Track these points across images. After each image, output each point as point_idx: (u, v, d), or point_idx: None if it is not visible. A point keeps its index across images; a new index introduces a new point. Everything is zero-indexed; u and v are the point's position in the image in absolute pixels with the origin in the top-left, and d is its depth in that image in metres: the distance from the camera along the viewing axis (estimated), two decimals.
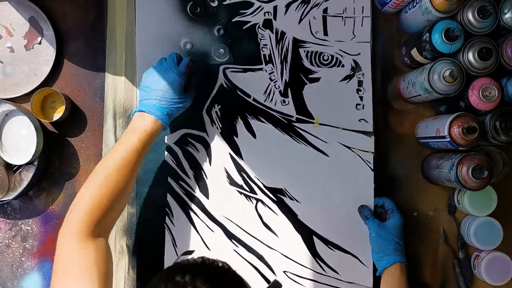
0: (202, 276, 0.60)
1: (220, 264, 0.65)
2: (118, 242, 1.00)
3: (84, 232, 0.79)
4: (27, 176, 0.98)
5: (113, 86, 1.02)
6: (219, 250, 1.00)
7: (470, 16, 0.89)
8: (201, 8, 1.02)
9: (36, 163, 0.97)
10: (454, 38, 0.88)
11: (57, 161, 1.02)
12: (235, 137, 1.02)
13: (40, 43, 1.01)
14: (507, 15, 0.89)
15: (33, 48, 1.01)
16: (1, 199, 0.97)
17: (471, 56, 0.89)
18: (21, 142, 0.98)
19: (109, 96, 1.01)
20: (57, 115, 1.00)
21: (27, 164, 0.98)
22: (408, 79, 1.00)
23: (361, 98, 1.03)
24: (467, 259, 1.04)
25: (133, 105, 1.01)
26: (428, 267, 1.04)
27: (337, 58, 1.03)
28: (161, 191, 1.01)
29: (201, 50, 1.03)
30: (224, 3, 1.02)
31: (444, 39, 0.88)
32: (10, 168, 0.99)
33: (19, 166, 0.99)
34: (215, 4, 1.02)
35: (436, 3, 0.88)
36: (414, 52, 0.96)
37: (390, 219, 0.98)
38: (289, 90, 1.03)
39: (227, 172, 1.01)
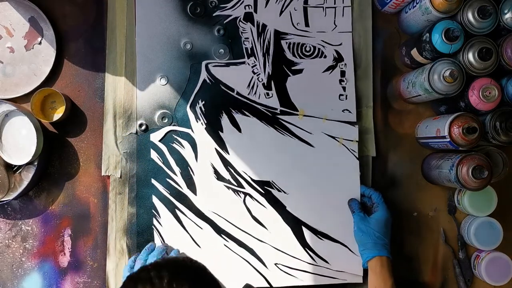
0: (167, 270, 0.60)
1: (188, 260, 0.65)
2: (118, 242, 1.00)
3: None
4: (27, 176, 0.98)
5: (113, 87, 1.02)
6: (209, 246, 1.00)
7: (470, 16, 0.89)
8: (201, 8, 1.02)
9: (36, 163, 0.97)
10: (454, 38, 0.88)
11: (57, 161, 1.02)
12: (220, 132, 1.02)
13: (40, 43, 1.01)
14: (507, 15, 0.89)
15: (33, 48, 1.01)
16: (1, 199, 0.97)
17: (471, 56, 0.89)
18: (21, 142, 0.98)
19: (109, 96, 1.01)
20: (57, 115, 1.00)
21: (27, 164, 0.97)
22: (408, 79, 1.00)
23: (344, 88, 1.03)
24: (467, 259, 1.04)
25: (133, 106, 1.01)
26: (428, 267, 1.04)
27: (319, 49, 1.04)
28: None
29: (201, 50, 1.03)
30: None
31: (444, 39, 0.88)
32: (10, 168, 0.99)
33: (19, 166, 0.99)
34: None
35: (436, 3, 0.88)
36: (414, 52, 0.96)
37: (375, 213, 0.98)
38: (272, 82, 1.03)
39: (214, 168, 1.01)
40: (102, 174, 1.01)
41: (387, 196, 1.02)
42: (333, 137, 1.03)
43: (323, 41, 1.04)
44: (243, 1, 1.03)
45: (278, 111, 1.03)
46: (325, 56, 1.04)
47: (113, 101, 1.01)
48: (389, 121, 1.06)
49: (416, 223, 1.05)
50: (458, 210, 1.05)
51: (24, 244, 1.01)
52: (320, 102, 1.03)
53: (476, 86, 0.90)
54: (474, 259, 1.03)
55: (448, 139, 0.91)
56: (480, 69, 0.90)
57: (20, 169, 0.99)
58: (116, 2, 1.02)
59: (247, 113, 1.02)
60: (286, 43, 1.03)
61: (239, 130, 1.02)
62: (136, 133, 1.01)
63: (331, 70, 1.04)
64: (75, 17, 1.03)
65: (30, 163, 0.97)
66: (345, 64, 1.04)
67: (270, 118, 1.02)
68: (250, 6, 1.03)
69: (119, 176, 1.01)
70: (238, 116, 1.02)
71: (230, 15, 1.03)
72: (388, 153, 1.05)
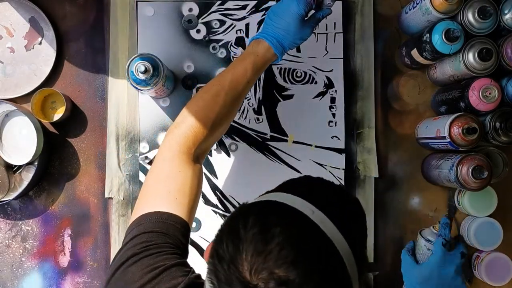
0: None
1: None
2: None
3: (185, 154, 0.77)
4: (27, 177, 0.98)
5: (115, 109, 1.01)
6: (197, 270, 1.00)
7: (470, 16, 0.89)
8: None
9: (36, 163, 0.97)
10: (454, 38, 0.88)
11: (57, 161, 1.02)
12: (209, 157, 1.02)
13: (40, 43, 1.01)
14: (507, 16, 0.89)
15: (33, 48, 1.01)
16: (1, 199, 0.97)
17: (471, 57, 0.89)
18: (21, 143, 0.98)
19: (112, 118, 1.01)
20: (57, 115, 1.00)
21: (27, 164, 0.97)
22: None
23: (333, 115, 1.03)
24: (467, 259, 1.04)
25: (136, 128, 1.02)
26: None
27: (310, 75, 1.04)
28: None
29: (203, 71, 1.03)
30: (200, 20, 1.03)
31: (444, 39, 0.88)
32: (10, 168, 0.99)
33: (19, 166, 0.99)
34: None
35: (437, 3, 0.88)
36: (414, 52, 0.96)
37: (424, 262, 0.92)
38: (262, 108, 1.03)
39: (202, 192, 1.00)
40: (106, 196, 1.01)
41: (387, 196, 1.03)
42: (321, 165, 1.03)
43: (314, 67, 1.04)
44: (235, 26, 1.03)
45: (268, 137, 1.03)
46: (315, 82, 1.04)
47: (116, 123, 1.01)
48: (389, 121, 1.06)
49: (416, 223, 1.05)
50: (458, 210, 1.05)
51: (24, 244, 1.01)
52: (309, 128, 1.03)
53: (476, 87, 0.90)
54: (474, 259, 1.03)
55: (448, 140, 0.91)
56: (480, 69, 0.90)
57: (20, 169, 0.99)
58: (116, 2, 1.02)
59: (237, 138, 1.02)
60: (277, 68, 1.03)
61: (228, 155, 1.02)
62: (139, 154, 1.01)
63: (321, 96, 1.04)
64: (75, 17, 1.03)
65: (30, 163, 0.97)
66: (336, 90, 1.03)
67: (260, 144, 1.03)
68: (241, 31, 1.03)
69: (122, 198, 1.01)
70: (227, 141, 1.02)
71: (222, 40, 1.03)
72: (388, 153, 1.05)
